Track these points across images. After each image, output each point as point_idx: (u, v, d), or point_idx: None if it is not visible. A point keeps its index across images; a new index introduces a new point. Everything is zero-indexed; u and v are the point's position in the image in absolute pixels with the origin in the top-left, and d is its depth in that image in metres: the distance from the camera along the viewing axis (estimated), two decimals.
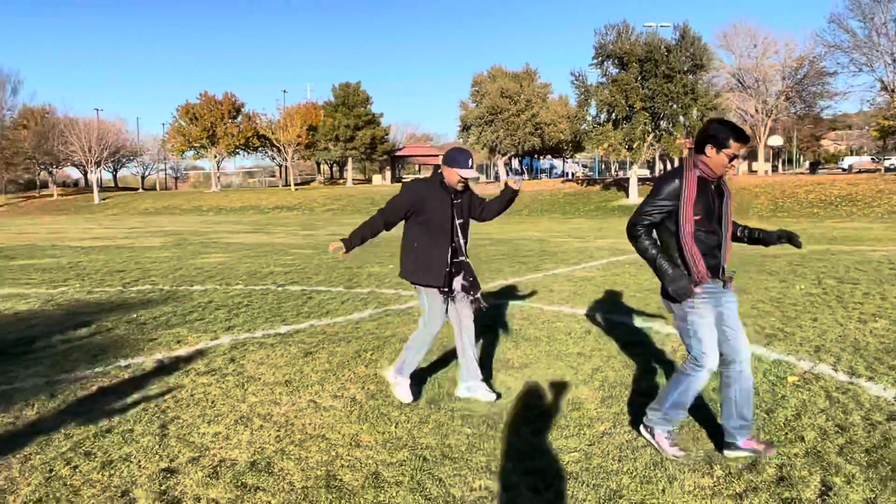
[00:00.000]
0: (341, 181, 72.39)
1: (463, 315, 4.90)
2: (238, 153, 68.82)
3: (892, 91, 37.08)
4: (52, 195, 69.40)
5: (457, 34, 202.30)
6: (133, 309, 9.08)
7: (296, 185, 65.79)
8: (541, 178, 66.21)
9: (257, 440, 4.29)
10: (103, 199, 62.76)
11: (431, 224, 4.72)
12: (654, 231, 3.84)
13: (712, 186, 3.76)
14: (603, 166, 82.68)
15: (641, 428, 4.09)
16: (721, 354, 3.83)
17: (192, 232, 27.52)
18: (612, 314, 8.24)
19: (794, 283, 10.34)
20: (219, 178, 71.01)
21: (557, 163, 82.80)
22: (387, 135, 65.19)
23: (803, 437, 4.19)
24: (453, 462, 3.91)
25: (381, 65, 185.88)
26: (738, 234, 4.14)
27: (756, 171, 50.05)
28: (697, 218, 3.67)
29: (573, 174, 78.99)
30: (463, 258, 4.85)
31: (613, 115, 38.16)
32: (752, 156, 56.38)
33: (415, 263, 4.76)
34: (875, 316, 7.75)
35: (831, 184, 36.86)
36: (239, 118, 66.23)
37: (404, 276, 4.86)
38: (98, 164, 64.86)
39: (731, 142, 3.63)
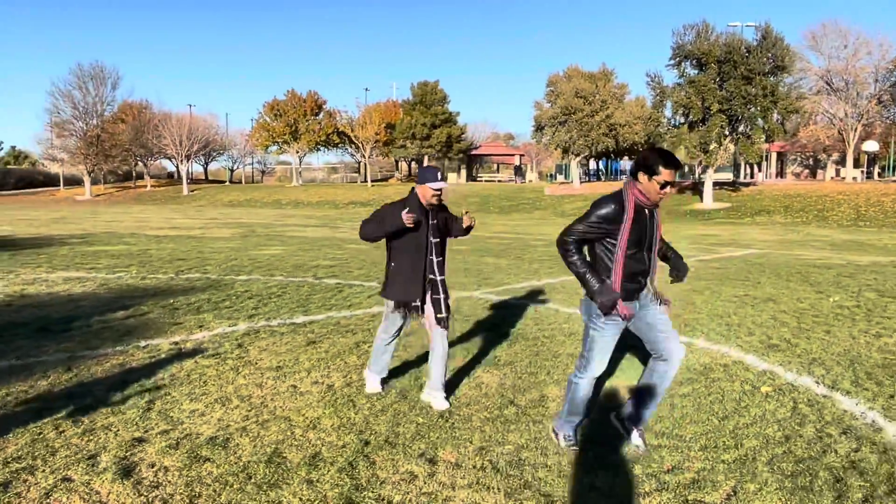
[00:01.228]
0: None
1: (435, 331, 4.97)
2: (319, 149, 70.76)
3: None
4: (145, 186, 73.21)
5: (537, 33, 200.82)
6: (174, 295, 9.73)
7: (373, 181, 67.12)
8: (620, 179, 65.28)
9: (226, 418, 4.68)
10: (192, 191, 65.75)
11: (409, 243, 4.86)
12: (584, 247, 3.94)
13: (646, 213, 3.84)
14: (687, 169, 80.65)
15: (551, 432, 4.34)
16: (659, 351, 4.01)
17: (262, 224, 28.65)
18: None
19: (830, 295, 10.05)
20: (300, 172, 73.18)
21: None
22: (463, 133, 65.60)
23: (742, 444, 4.24)
24: (392, 447, 4.17)
25: (461, 64, 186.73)
26: (665, 253, 4.24)
27: (844, 178, 47.74)
28: (630, 249, 3.80)
29: None
30: (435, 276, 4.92)
31: (689, 117, 37.25)
32: (841, 162, 53.81)
33: (389, 280, 5.02)
34: (894, 331, 7.52)
35: None
36: (320, 115, 68.11)
37: (381, 292, 5.15)
38: (188, 157, 67.95)
39: (661, 168, 3.68)
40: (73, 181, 76.49)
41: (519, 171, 73.26)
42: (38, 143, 73.57)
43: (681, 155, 39.85)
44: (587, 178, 69.49)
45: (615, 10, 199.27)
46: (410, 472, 3.83)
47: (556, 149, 50.86)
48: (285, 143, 67.65)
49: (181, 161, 67.45)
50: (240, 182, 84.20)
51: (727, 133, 36.45)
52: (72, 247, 17.40)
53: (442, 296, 4.93)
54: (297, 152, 69.02)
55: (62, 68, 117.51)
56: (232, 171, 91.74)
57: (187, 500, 3.47)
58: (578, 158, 50.33)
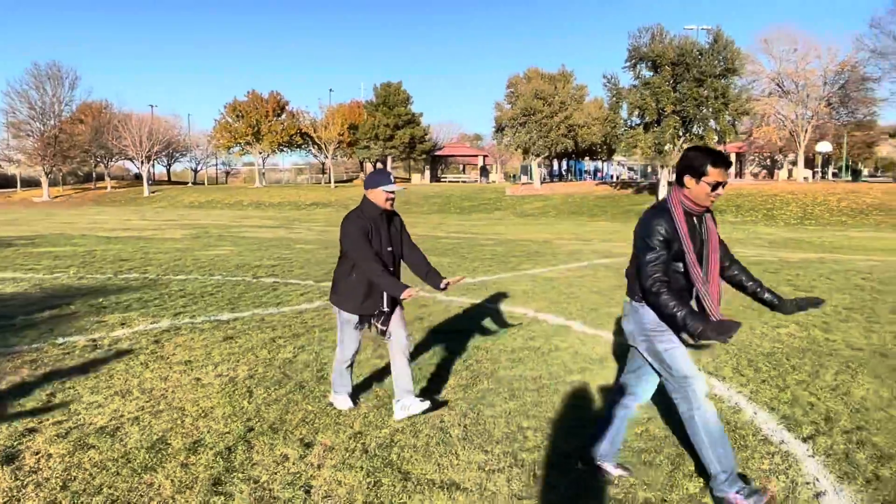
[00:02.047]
0: None
1: (399, 346, 4.74)
2: (282, 150, 70.46)
3: None
4: (105, 187, 72.20)
5: (501, 35, 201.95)
6: (106, 294, 9.80)
7: (337, 182, 67.06)
8: (584, 180, 66.14)
9: (122, 409, 4.84)
10: (153, 193, 65.01)
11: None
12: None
13: (695, 220, 3.45)
14: (649, 169, 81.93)
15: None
16: (636, 390, 3.70)
17: (218, 226, 28.57)
18: (542, 312, 8.58)
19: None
20: (263, 174, 72.79)
21: (602, 165, 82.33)
22: (426, 134, 65.84)
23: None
24: (274, 433, 4.38)
25: (425, 65, 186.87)
26: (746, 285, 3.70)
27: (794, 178, 48.98)
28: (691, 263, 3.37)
29: (618, 176, 78.44)
30: None
31: (644, 118, 37.96)
32: (796, 162, 55.11)
33: (347, 292, 4.67)
34: (793, 322, 7.92)
35: (867, 192, 35.97)
36: (283, 116, 67.84)
37: (334, 303, 4.78)
38: (149, 158, 67.18)
39: (709, 168, 3.30)
40: (31, 183, 75.18)
41: (484, 172, 73.69)
42: None
43: (636, 155, 40.62)
44: (550, 179, 70.23)
45: (576, 12, 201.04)
46: (284, 454, 4.05)
47: (516, 149, 51.38)
48: (248, 144, 67.25)
49: (142, 162, 66.68)
50: (203, 183, 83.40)
51: (681, 134, 37.20)
52: (17, 248, 17.27)
53: (400, 310, 4.78)
54: (261, 153, 68.66)
55: (18, 69, 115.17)
56: (196, 172, 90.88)
57: (61, 484, 3.64)
58: (539, 159, 50.88)
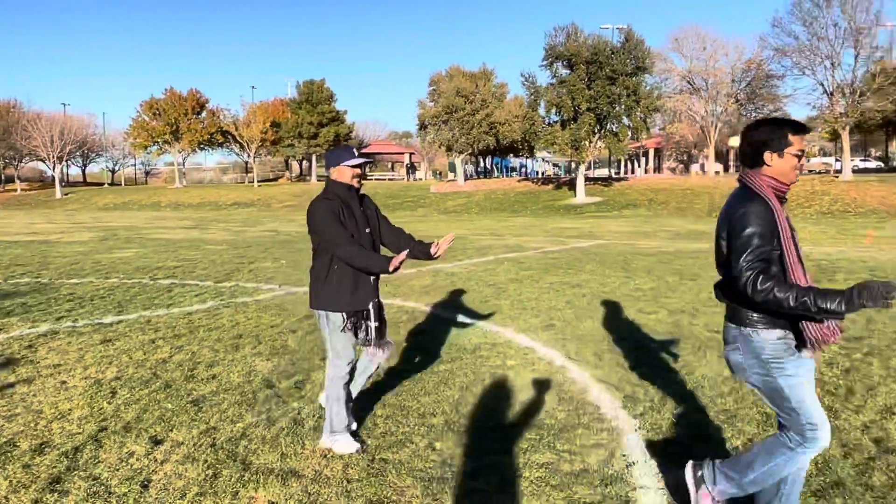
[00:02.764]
0: (309, 178, 72.71)
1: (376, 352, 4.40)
2: (203, 149, 68.88)
3: (831, 94, 38.00)
4: (15, 190, 69.10)
5: (425, 33, 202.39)
6: None
7: (260, 181, 66.01)
8: (512, 176, 67.05)
9: None
10: (66, 195, 62.63)
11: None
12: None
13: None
14: (573, 165, 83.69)
15: (688, 470, 3.32)
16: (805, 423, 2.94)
17: (129, 227, 27.81)
18: (434, 307, 8.78)
19: (635, 279, 10.95)
20: (184, 174, 71.01)
21: (528, 161, 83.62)
22: (351, 132, 65.52)
23: (458, 410, 4.74)
24: (127, 432, 4.42)
25: (350, 62, 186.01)
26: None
27: (707, 173, 50.94)
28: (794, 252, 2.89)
29: (543, 173, 79.84)
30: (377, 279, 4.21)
31: (561, 115, 38.81)
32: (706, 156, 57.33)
33: (332, 288, 4.02)
34: (665, 309, 8.37)
35: None
36: (203, 114, 66.31)
37: (318, 308, 4.10)
38: (61, 158, 64.63)
39: (791, 136, 2.92)
40: None
41: (412, 170, 73.86)
42: None
43: (554, 151, 41.49)
44: (477, 176, 70.91)
45: (498, 11, 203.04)
46: (131, 452, 4.10)
47: (439, 147, 51.72)
48: (166, 144, 65.46)
49: (53, 163, 64.08)
50: (119, 184, 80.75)
51: (596, 131, 38.19)
52: None
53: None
54: (180, 152, 66.95)
55: None
56: (113, 172, 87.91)
57: None
58: (462, 156, 51.35)
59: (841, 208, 31.75)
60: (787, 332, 2.88)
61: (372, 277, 4.11)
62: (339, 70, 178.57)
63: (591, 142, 38.34)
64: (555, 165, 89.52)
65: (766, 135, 2.94)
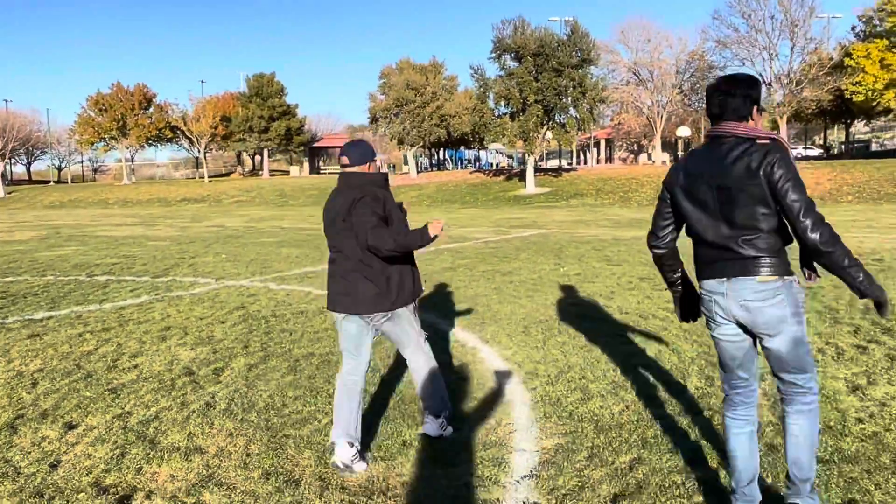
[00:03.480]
0: (262, 172, 72.11)
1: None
2: (151, 145, 67.73)
3: (769, 84, 39.22)
4: None
5: (375, 26, 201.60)
6: None
7: (210, 176, 65.23)
8: (468, 168, 67.46)
9: None
10: (9, 193, 60.96)
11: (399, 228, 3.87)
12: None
13: None
14: (526, 156, 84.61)
15: None
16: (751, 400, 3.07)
17: (73, 225, 27.38)
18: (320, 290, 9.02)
19: (564, 266, 11.36)
20: (133, 170, 69.75)
21: (482, 153, 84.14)
22: (302, 126, 65.12)
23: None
24: (43, 419, 4.59)
25: (301, 56, 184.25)
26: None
27: (654, 162, 52.03)
28: None
29: (497, 164, 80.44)
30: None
31: (509, 107, 39.26)
32: (662, 147, 58.59)
33: (390, 285, 3.81)
34: (581, 294, 8.77)
35: None
36: (151, 109, 65.18)
37: (377, 309, 3.80)
38: (3, 156, 62.91)
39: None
40: None
41: None
42: None
43: (504, 143, 41.94)
44: (430, 168, 71.16)
45: (449, 3, 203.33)
46: (44, 436, 4.29)
47: (391, 140, 51.84)
48: (112, 140, 64.18)
49: None
50: (66, 182, 78.89)
51: (544, 122, 38.75)
52: None
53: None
54: (127, 148, 65.74)
55: None
56: (60, 170, 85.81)
57: None
58: (413, 149, 51.56)
59: None
60: None
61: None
62: (290, 64, 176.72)
63: (539, 133, 38.87)
64: (508, 157, 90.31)
65: (758, 92, 2.92)
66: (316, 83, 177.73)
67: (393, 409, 4.62)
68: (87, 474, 3.71)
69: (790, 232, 2.80)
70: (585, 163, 72.46)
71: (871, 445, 3.79)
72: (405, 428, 4.26)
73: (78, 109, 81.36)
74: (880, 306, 2.72)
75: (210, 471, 3.72)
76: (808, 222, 2.66)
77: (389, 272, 3.80)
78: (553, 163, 73.61)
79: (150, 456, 3.93)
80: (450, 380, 5.20)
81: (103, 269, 12.46)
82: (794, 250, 2.74)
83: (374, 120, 49.84)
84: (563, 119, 38.71)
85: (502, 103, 39.99)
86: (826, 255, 2.68)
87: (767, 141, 2.79)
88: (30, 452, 4.03)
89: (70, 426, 4.45)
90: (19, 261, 14.28)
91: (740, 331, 2.90)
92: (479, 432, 4.18)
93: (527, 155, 41.44)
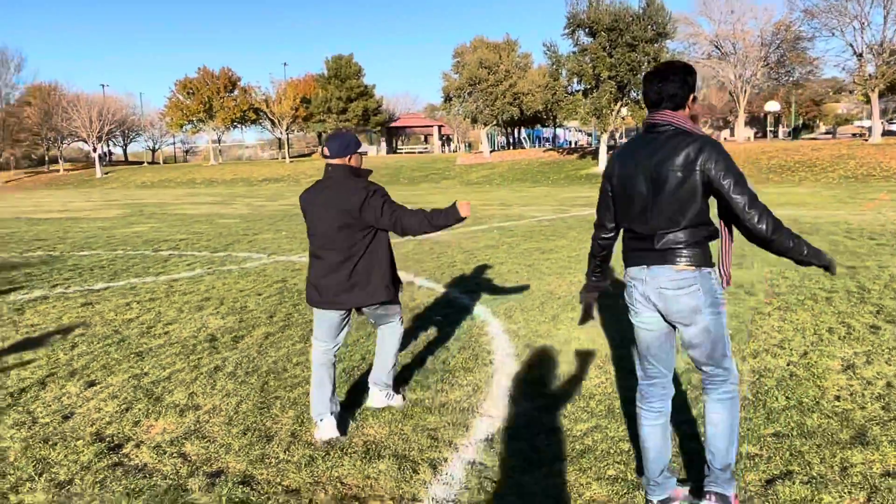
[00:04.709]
0: None
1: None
2: (236, 126, 70.14)
3: (860, 55, 37.09)
4: (59, 170, 71.44)
5: (452, 6, 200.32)
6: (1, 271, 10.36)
7: (293, 157, 67.08)
8: (544, 147, 66.95)
9: None
10: (106, 174, 64.51)
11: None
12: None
13: None
14: (607, 135, 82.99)
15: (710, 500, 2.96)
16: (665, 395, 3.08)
17: (157, 204, 28.87)
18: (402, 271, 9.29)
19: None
20: (220, 151, 72.48)
21: (560, 131, 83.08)
22: (379, 106, 65.97)
23: None
24: (71, 377, 5.07)
25: (379, 36, 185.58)
26: None
27: (735, 139, 50.19)
28: None
29: (576, 142, 79.34)
30: None
31: (582, 84, 38.69)
32: (750, 123, 56.41)
33: (391, 276, 4.04)
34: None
35: (797, 150, 37.17)
36: (235, 92, 67.44)
37: (387, 298, 4.00)
38: (100, 139, 66.54)
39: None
40: None
41: (448, 142, 74.43)
42: None
43: (575, 120, 41.36)
44: (508, 147, 70.80)
45: None
46: (67, 392, 4.74)
47: (464, 119, 51.91)
48: (200, 122, 66.84)
49: (93, 143, 66.05)
50: (159, 163, 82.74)
51: (617, 99, 37.98)
52: None
53: None
54: (214, 130, 68.34)
55: None
56: (154, 151, 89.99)
57: None
58: (487, 128, 51.50)
59: (865, 172, 31.20)
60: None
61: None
62: (368, 45, 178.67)
63: (612, 110, 38.14)
64: (588, 134, 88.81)
65: (694, 80, 2.91)
66: (393, 64, 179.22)
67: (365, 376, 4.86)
68: (91, 425, 4.11)
69: (719, 225, 2.85)
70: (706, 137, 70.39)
71: (836, 422, 3.76)
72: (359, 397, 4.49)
73: (168, 93, 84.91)
74: (827, 268, 2.81)
75: (199, 426, 4.06)
76: (754, 215, 2.70)
77: (387, 264, 3.96)
78: None
79: (150, 411, 4.31)
80: (449, 350, 5.41)
81: (170, 245, 13.22)
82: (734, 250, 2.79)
83: (447, 99, 50.00)
84: (638, 95, 37.79)
85: (575, 80, 39.45)
86: (773, 241, 2.73)
87: (703, 135, 2.80)
88: (50, 405, 4.49)
89: (91, 384, 4.90)
90: (98, 237, 15.27)
91: (659, 319, 2.93)
92: (453, 398, 4.37)
93: (600, 132, 40.74)
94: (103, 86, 76.55)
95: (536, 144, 76.10)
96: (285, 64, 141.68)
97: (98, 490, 3.28)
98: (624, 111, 39.91)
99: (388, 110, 72.71)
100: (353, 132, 4.28)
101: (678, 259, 2.81)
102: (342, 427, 3.91)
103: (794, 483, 3.10)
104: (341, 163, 3.90)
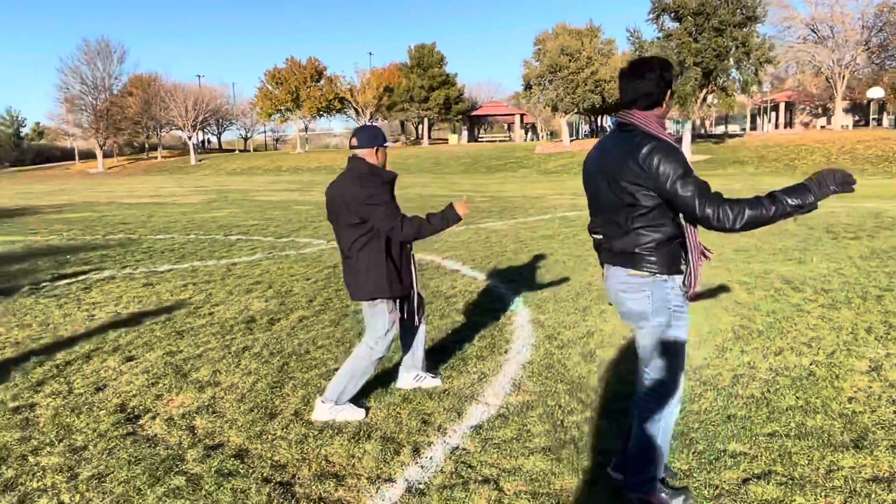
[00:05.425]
0: (422, 141, 74.32)
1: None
2: (321, 115, 71.88)
3: None
4: (157, 157, 75.14)
5: None
6: (78, 252, 11.08)
7: None
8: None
9: (14, 335, 5.98)
10: (200, 161, 67.42)
11: None
12: (658, 213, 2.74)
13: None
14: (698, 122, 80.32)
15: None
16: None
17: (240, 191, 30.01)
18: (452, 259, 9.43)
19: None
20: (307, 139, 74.47)
21: None
22: (461, 95, 66.15)
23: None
24: (113, 352, 5.44)
25: (462, 25, 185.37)
26: None
27: (831, 127, 47.66)
28: None
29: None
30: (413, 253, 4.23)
31: None
32: (851, 110, 53.51)
33: (388, 275, 3.95)
34: None
35: None
36: (321, 81, 69.08)
37: (373, 296, 3.96)
38: (194, 127, 69.53)
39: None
40: (89, 155, 78.74)
41: (533, 130, 73.98)
42: (51, 119, 75.96)
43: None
44: (591, 136, 69.71)
45: None
46: (106, 366, 5.09)
47: (545, 107, 51.41)
48: (287, 111, 68.86)
49: (189, 131, 69.12)
50: (249, 151, 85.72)
51: (702, 86, 36.75)
52: (40, 215, 18.93)
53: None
54: (301, 119, 70.25)
55: (70, 45, 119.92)
56: (246, 139, 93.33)
57: None
58: (567, 116, 50.83)
59: None
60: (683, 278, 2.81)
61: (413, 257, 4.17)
62: (451, 33, 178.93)
63: (697, 98, 36.94)
64: (676, 122, 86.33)
65: (671, 75, 2.80)
66: (477, 52, 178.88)
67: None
68: (118, 397, 4.42)
69: (681, 230, 2.74)
70: (762, 128, 67.69)
71: (839, 424, 3.64)
72: (388, 380, 4.62)
73: (258, 83, 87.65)
74: (843, 187, 2.58)
75: (213, 401, 4.30)
76: (709, 216, 2.58)
77: (382, 267, 3.95)
78: (722, 128, 69.43)
79: (173, 386, 4.59)
80: (470, 338, 5.49)
81: (241, 230, 13.78)
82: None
83: (527, 87, 49.65)
84: (725, 82, 36.48)
85: None
86: (744, 228, 2.59)
87: (657, 138, 2.68)
88: (88, 377, 4.84)
89: (129, 359, 5.24)
90: (177, 221, 16.06)
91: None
92: (457, 385, 4.45)
93: (683, 121, 39.54)
94: (199, 76, 79.95)
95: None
96: (371, 53, 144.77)
97: (106, 457, 3.55)
98: (710, 98, 38.57)
99: (471, 98, 72.82)
100: (374, 127, 4.31)
101: (634, 262, 2.77)
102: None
103: (768, 483, 3.04)
104: (366, 155, 3.97)
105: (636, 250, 2.76)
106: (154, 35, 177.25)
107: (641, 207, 2.70)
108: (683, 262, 2.82)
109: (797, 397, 4.03)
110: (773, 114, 69.23)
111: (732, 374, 4.47)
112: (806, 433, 3.54)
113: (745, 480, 3.09)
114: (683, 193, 2.60)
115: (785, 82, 65.16)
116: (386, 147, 4.06)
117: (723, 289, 7.01)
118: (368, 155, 3.96)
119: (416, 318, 4.23)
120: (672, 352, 2.82)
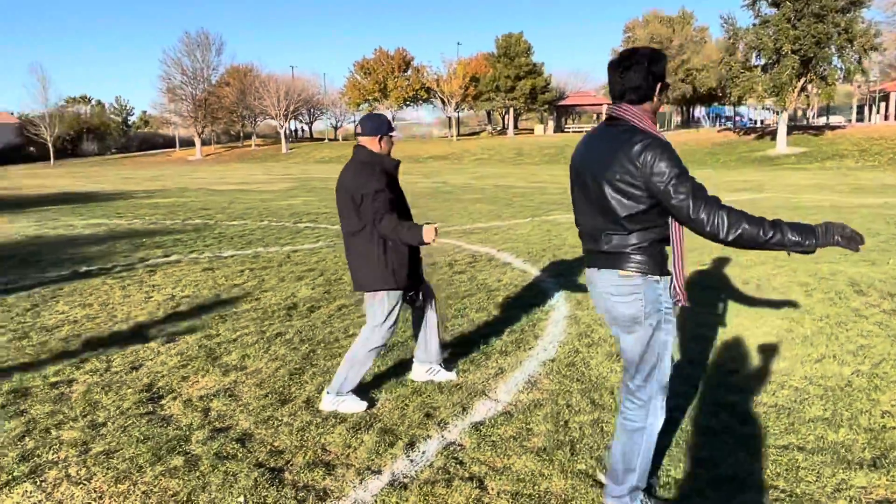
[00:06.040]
0: (507, 131, 73.97)
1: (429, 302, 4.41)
2: (408, 105, 72.59)
3: None
4: (250, 145, 77.89)
5: None
6: (156, 235, 11.64)
7: (460, 136, 68.34)
8: (726, 125, 63.19)
9: (75, 315, 6.34)
10: (291, 149, 69.46)
11: (400, 215, 3.96)
12: (649, 217, 2.63)
13: None
14: (798, 113, 76.48)
15: None
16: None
17: (323, 179, 30.72)
18: (499, 251, 9.36)
19: None
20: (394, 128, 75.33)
21: (743, 109, 77.84)
22: (547, 84, 65.34)
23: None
24: (157, 334, 5.68)
25: (551, 13, 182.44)
26: None
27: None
28: None
29: (761, 121, 74.03)
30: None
31: (760, 59, 35.99)
32: None
33: (387, 265, 3.90)
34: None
35: None
36: (408, 71, 69.75)
37: (372, 286, 3.94)
38: (286, 116, 71.61)
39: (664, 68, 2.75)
40: (189, 143, 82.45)
41: None
42: (154, 108, 79.89)
43: (752, 98, 38.57)
44: (687, 125, 67.52)
45: None
46: (148, 346, 5.33)
47: None
48: (375, 101, 69.89)
49: (281, 120, 71.27)
50: (338, 140, 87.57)
51: (800, 74, 34.93)
52: (130, 200, 19.99)
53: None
54: (388, 109, 71.17)
55: (173, 38, 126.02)
56: (336, 129, 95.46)
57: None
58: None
59: None
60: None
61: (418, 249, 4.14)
62: (540, 23, 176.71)
63: (794, 87, 35.14)
64: (776, 112, 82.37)
65: (661, 68, 2.68)
66: (566, 42, 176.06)
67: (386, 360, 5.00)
68: (148, 377, 4.62)
69: (672, 231, 2.64)
70: (869, 119, 63.73)
71: (862, 440, 3.40)
72: (405, 372, 4.63)
73: (347, 73, 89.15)
74: (848, 242, 2.44)
75: (234, 385, 4.43)
76: (703, 219, 2.46)
77: (380, 256, 3.92)
78: (835, 119, 65.79)
79: (200, 369, 4.75)
80: (499, 333, 5.43)
81: (310, 218, 14.11)
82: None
83: None
84: (825, 71, 34.54)
85: (753, 55, 36.77)
86: (735, 240, 2.45)
87: (651, 135, 2.56)
88: (127, 357, 5.07)
89: (171, 340, 5.46)
90: (255, 208, 16.61)
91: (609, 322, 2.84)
92: (471, 380, 4.41)
93: (780, 111, 37.70)
94: (292, 67, 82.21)
95: (717, 123, 71.85)
96: (459, 43, 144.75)
97: (119, 434, 3.71)
98: (809, 87, 36.63)
99: (558, 88, 71.80)
100: (380, 115, 4.22)
101: (625, 264, 2.66)
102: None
103: (762, 498, 2.87)
104: (368, 143, 3.98)
105: (627, 250, 2.65)
106: (251, 27, 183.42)
107: (632, 207, 2.59)
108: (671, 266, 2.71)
109: (825, 408, 3.79)
110: (883, 104, 65.06)
111: (760, 382, 4.24)
112: (823, 448, 3.32)
113: (739, 494, 2.93)
114: (678, 195, 2.49)
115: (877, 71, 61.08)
116: (392, 136, 4.04)
117: (779, 290, 6.67)
118: (371, 143, 3.96)
119: (424, 309, 4.22)
120: (660, 356, 2.73)
